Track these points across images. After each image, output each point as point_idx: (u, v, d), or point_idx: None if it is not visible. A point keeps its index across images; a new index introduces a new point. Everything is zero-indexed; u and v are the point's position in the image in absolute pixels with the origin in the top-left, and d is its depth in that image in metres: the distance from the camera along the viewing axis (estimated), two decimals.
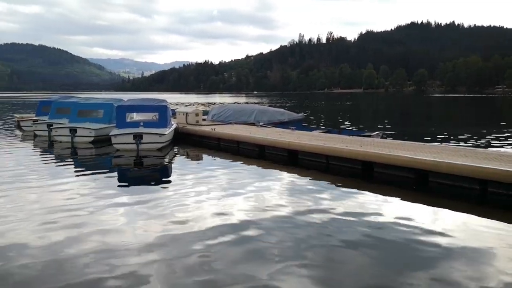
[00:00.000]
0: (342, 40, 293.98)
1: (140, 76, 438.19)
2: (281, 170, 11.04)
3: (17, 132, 21.90)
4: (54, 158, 14.11)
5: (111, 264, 5.07)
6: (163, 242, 5.79)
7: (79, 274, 4.79)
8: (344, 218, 6.82)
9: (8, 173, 10.72)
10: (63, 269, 4.93)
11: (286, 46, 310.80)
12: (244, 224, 6.52)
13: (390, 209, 7.46)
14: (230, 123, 19.18)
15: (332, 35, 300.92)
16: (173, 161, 13.38)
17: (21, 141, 18.30)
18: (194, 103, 63.94)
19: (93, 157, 14.63)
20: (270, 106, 31.03)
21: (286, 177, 10.20)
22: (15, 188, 9.02)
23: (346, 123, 26.24)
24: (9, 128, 24.07)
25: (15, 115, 29.03)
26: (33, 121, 20.44)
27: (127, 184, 10.12)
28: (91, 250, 5.51)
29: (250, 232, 6.17)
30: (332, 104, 61.76)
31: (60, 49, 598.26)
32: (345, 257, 5.28)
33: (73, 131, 16.82)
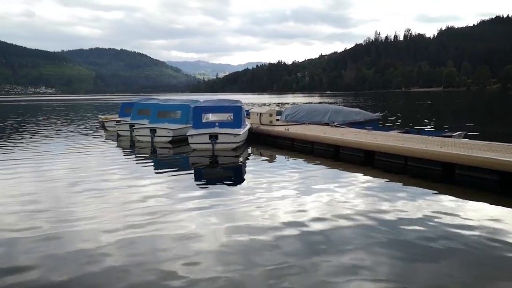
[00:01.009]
0: (420, 37, 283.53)
1: (214, 77, 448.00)
2: (356, 171, 10.81)
3: (102, 132, 23.16)
4: (135, 157, 14.75)
5: (186, 260, 5.20)
6: (236, 241, 5.86)
7: (155, 270, 4.96)
8: (422, 221, 6.54)
9: (93, 171, 11.36)
10: (139, 265, 5.13)
11: (361, 44, 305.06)
12: (318, 225, 6.44)
13: (473, 213, 7.05)
14: (304, 123, 19.08)
15: (410, 32, 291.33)
16: (247, 161, 13.51)
17: (106, 140, 19.32)
18: (267, 103, 64.30)
19: (171, 156, 15.12)
20: (344, 105, 30.53)
21: (362, 178, 9.97)
22: (99, 185, 9.52)
23: (425, 123, 25.22)
24: (95, 128, 25.51)
25: (100, 116, 30.71)
26: (116, 122, 21.52)
27: (202, 182, 10.35)
28: (167, 246, 5.69)
29: (324, 234, 6.08)
30: (410, 103, 59.64)
31: (140, 53, 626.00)
32: (421, 263, 5.05)
33: (153, 131, 17.52)
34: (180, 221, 6.79)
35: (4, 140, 19.35)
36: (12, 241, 5.90)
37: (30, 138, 20.23)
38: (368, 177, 10.04)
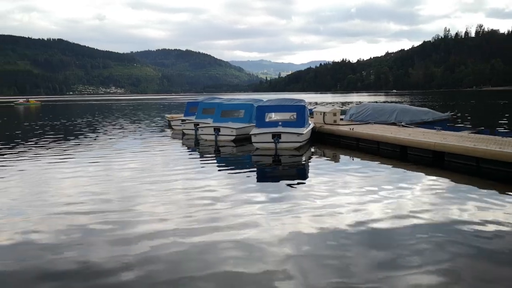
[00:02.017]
0: (493, 33, 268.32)
1: (277, 76, 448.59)
2: (424, 173, 10.41)
3: (168, 130, 23.83)
4: (199, 155, 15.04)
5: (246, 258, 5.23)
6: (296, 240, 5.80)
7: (216, 265, 5.03)
8: (495, 227, 6.16)
9: (160, 169, 11.71)
10: (202, 259, 5.20)
11: (429, 41, 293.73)
12: (381, 227, 6.25)
13: None
14: (369, 122, 18.65)
15: (482, 28, 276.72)
16: (310, 161, 13.39)
17: (172, 138, 19.87)
18: (331, 102, 63.56)
19: (234, 155, 15.26)
20: (411, 105, 29.59)
21: (430, 180, 9.58)
22: (165, 184, 9.72)
23: (499, 123, 23.90)
24: (161, 127, 26.31)
25: (166, 115, 31.59)
26: (182, 121, 22.06)
27: (265, 181, 10.35)
28: (227, 243, 5.75)
29: (387, 236, 5.91)
30: (482, 102, 56.84)
31: (204, 54, 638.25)
32: (492, 271, 4.75)
33: (216, 130, 17.76)
34: (240, 217, 6.85)
35: (78, 139, 20.35)
36: (83, 240, 6.11)
37: (101, 137, 21.15)
38: (437, 179, 9.63)
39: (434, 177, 9.83)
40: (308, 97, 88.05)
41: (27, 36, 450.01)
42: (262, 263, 5.07)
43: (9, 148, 16.59)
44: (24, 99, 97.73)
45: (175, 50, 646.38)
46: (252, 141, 15.24)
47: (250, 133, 15.39)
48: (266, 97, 26.38)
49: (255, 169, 12.31)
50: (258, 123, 16.08)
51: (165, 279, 4.74)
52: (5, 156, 14.46)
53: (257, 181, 10.25)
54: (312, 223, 6.51)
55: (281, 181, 10.17)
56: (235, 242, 5.78)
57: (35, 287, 4.64)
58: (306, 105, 16.88)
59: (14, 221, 6.96)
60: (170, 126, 25.15)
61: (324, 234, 6.02)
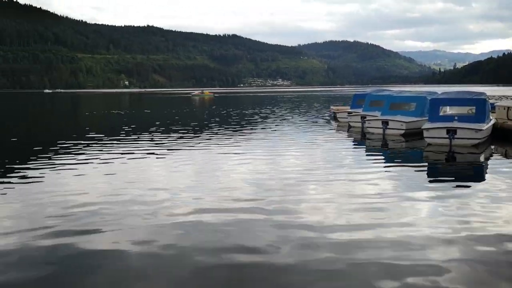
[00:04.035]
0: None
1: (451, 67, 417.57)
2: None
3: (333, 122, 23.85)
4: (365, 148, 14.77)
5: (407, 254, 5.06)
6: (464, 244, 5.40)
7: (374, 259, 4.94)
8: None
9: (323, 161, 11.80)
10: (358, 252, 5.17)
11: None
12: None
13: None
14: None
15: None
16: (489, 160, 12.25)
17: (337, 131, 19.86)
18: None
19: (403, 150, 14.65)
20: None
21: None
22: (327, 176, 9.64)
23: None
24: (327, 119, 26.44)
25: (332, 107, 31.65)
26: (348, 113, 21.88)
27: (435, 180, 9.73)
28: (387, 239, 5.58)
29: None
30: None
31: (372, 44, 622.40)
32: None
33: (385, 123, 17.17)
34: (403, 214, 6.66)
35: (247, 130, 21.45)
36: (244, 223, 6.42)
37: (267, 128, 21.99)
38: None
39: None
40: (487, 90, 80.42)
41: (205, 33, 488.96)
42: (423, 263, 4.83)
43: (190, 136, 18.21)
44: (199, 91, 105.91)
45: (342, 41, 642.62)
46: (424, 136, 14.44)
47: (422, 128, 14.59)
48: (439, 89, 24.72)
49: (425, 166, 11.67)
50: (431, 117, 15.12)
51: (320, 268, 4.79)
52: (186, 144, 15.89)
53: (427, 180, 9.73)
54: (483, 228, 5.97)
55: (453, 181, 9.44)
56: (395, 240, 5.57)
57: (207, 262, 5.00)
58: (487, 99, 15.39)
59: (189, 202, 7.55)
60: (335, 118, 25.13)
61: (497, 241, 5.46)
